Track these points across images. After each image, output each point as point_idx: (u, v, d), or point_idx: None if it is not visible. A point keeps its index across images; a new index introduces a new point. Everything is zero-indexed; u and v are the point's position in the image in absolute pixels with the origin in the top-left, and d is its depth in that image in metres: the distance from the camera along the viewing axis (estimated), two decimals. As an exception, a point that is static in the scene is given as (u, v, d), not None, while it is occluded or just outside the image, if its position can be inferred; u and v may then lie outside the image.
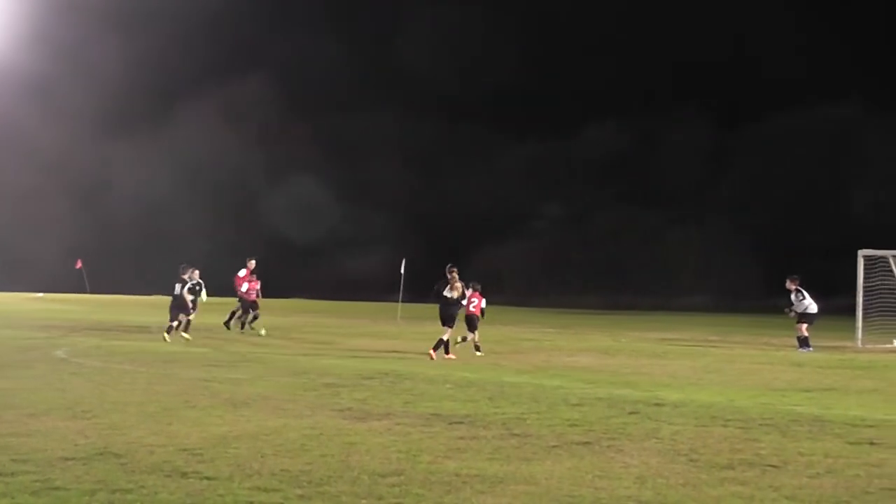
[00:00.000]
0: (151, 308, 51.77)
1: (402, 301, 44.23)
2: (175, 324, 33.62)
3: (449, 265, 29.59)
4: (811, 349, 33.33)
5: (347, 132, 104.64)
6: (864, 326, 37.14)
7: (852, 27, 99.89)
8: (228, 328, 38.39)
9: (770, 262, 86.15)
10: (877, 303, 37.50)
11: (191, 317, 34.21)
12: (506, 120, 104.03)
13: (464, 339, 30.83)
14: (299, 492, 10.63)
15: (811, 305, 34.35)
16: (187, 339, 32.52)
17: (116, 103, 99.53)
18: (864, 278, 37.71)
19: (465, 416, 16.10)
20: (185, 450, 12.75)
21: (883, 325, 37.29)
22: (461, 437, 14.08)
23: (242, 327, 38.28)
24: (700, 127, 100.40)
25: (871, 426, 15.65)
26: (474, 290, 31.36)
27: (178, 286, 33.91)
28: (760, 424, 15.67)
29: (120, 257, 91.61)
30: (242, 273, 38.81)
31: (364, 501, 10.30)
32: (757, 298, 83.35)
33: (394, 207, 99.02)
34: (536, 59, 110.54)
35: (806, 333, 33.98)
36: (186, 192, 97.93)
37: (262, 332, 36.55)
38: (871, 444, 14.01)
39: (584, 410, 17.01)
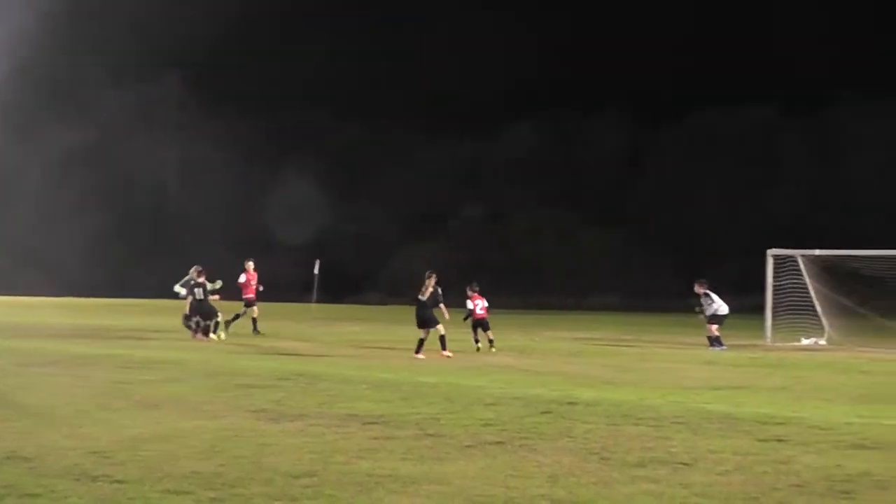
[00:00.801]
0: (68, 310, 51.27)
1: (317, 302, 44.11)
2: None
3: (428, 271, 29.95)
4: (724, 347, 33.65)
5: (268, 131, 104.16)
6: (773, 325, 37.61)
7: (768, 31, 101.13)
8: (257, 332, 38.15)
9: (684, 261, 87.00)
10: (786, 301, 37.99)
11: (218, 317, 35.23)
12: (426, 120, 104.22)
13: (488, 342, 31.57)
14: (212, 494, 10.56)
15: (721, 307, 34.64)
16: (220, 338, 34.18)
17: (28, 98, 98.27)
18: (774, 277, 38.20)
19: (379, 417, 16.09)
20: (95, 453, 12.63)
21: (792, 324, 37.78)
22: (375, 438, 14.07)
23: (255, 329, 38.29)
24: (617, 127, 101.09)
25: (780, 423, 15.83)
26: (474, 292, 31.76)
27: (197, 290, 34.53)
28: (672, 422, 15.79)
29: (26, 255, 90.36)
30: (243, 278, 38.60)
31: (277, 503, 10.27)
32: (670, 298, 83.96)
33: (309, 208, 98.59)
34: (456, 59, 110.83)
35: (717, 333, 34.29)
36: (100, 190, 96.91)
37: (222, 335, 36.07)
38: (780, 441, 14.16)
39: (499, 410, 17.05)
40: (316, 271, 38.64)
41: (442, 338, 28.88)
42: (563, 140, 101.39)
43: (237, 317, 38.16)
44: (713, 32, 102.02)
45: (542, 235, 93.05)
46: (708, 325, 34.58)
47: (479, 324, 31.67)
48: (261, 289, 38.88)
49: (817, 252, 38.31)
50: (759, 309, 38.73)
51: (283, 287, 40.28)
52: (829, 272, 38.20)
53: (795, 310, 37.80)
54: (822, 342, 37.14)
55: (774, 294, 38.12)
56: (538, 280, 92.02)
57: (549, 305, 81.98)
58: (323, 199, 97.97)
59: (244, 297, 38.81)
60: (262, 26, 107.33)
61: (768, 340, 36.90)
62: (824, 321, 37.62)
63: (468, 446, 13.44)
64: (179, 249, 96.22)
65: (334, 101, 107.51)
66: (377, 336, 37.20)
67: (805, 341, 36.99)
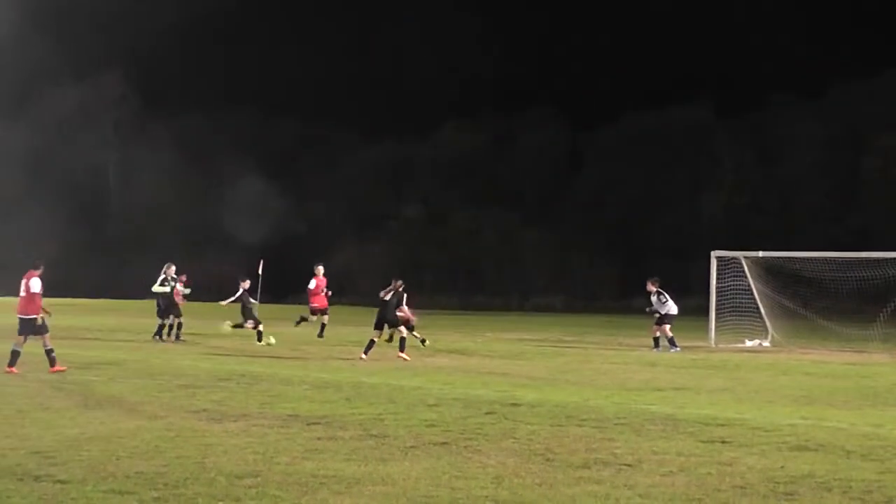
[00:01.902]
0: (5, 309, 50.72)
1: (260, 302, 43.92)
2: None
3: (395, 276, 30.18)
4: (678, 349, 33.78)
5: (203, 131, 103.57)
6: (716, 326, 37.83)
7: (703, 33, 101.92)
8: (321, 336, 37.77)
9: (624, 262, 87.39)
10: (729, 303, 38.23)
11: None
12: (362, 120, 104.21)
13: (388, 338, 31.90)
14: (154, 494, 10.55)
15: (672, 307, 34.81)
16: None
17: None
18: (717, 279, 38.45)
19: (322, 417, 16.10)
20: (37, 453, 12.58)
21: (735, 325, 38.02)
22: (318, 438, 14.09)
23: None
24: (556, 128, 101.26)
25: (722, 425, 15.96)
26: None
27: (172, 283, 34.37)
28: (615, 424, 15.89)
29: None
30: (312, 284, 38.14)
31: (220, 503, 10.26)
32: (611, 299, 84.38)
33: (250, 208, 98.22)
34: (394, 59, 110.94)
35: (670, 333, 34.42)
36: (37, 188, 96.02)
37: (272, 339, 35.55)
38: (723, 442, 14.29)
39: (442, 411, 17.10)
40: (259, 271, 38.44)
41: (402, 340, 28.87)
42: (501, 140, 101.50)
43: (303, 319, 38.12)
44: (649, 33, 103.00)
45: (481, 236, 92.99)
46: (661, 326, 34.67)
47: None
48: (329, 294, 38.50)
49: (760, 254, 38.60)
50: (703, 310, 38.98)
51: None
52: (772, 274, 38.52)
53: (739, 311, 38.06)
54: (766, 344, 37.40)
55: (718, 296, 38.36)
56: (478, 281, 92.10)
57: (490, 306, 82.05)
58: (263, 198, 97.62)
59: (311, 304, 38.19)
60: (203, 25, 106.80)
61: (712, 342, 37.12)
62: (767, 323, 37.91)
63: (411, 447, 13.49)
64: (121, 249, 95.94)
65: (274, 101, 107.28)
66: (313, 336, 37.12)
67: (748, 343, 37.24)
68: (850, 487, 11.28)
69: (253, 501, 10.36)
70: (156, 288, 35.29)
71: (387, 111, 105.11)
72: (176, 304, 35.72)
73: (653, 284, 34.98)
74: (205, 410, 16.73)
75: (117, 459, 12.23)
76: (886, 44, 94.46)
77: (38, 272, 23.64)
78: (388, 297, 29.18)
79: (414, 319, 32.12)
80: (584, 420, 16.27)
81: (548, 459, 12.73)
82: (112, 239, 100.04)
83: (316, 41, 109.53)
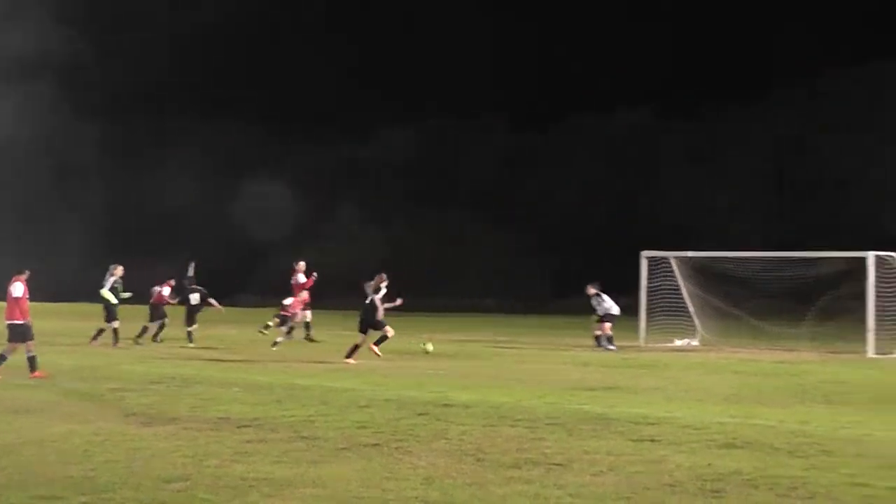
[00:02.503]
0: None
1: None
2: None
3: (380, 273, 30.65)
4: (615, 348, 33.99)
5: (141, 134, 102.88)
6: (647, 326, 38.07)
7: (643, 37, 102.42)
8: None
9: (561, 263, 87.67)
10: (660, 303, 38.48)
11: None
12: (304, 123, 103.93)
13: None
14: (83, 499, 10.47)
15: (612, 307, 35.01)
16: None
17: None
18: (648, 279, 38.69)
19: (253, 420, 16.04)
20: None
21: (665, 325, 38.27)
22: (249, 441, 14.04)
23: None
24: (496, 129, 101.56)
25: (652, 424, 16.06)
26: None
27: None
28: (547, 424, 15.94)
29: None
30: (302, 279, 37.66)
31: (149, 507, 10.23)
32: (547, 300, 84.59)
33: (186, 211, 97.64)
34: (338, 61, 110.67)
35: (610, 332, 34.64)
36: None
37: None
38: (653, 441, 14.38)
39: (373, 412, 17.08)
40: (191, 273, 38.20)
41: (384, 338, 28.92)
42: (444, 143, 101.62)
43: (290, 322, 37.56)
44: (592, 37, 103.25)
45: (422, 238, 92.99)
46: (602, 325, 34.90)
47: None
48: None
49: (690, 254, 38.88)
50: (633, 310, 39.20)
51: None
52: (702, 274, 38.79)
53: (669, 311, 38.33)
54: (695, 343, 37.68)
55: (648, 295, 38.60)
56: (417, 282, 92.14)
57: (428, 308, 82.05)
58: (199, 200, 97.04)
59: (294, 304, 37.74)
60: (116, 22, 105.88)
61: (642, 341, 37.33)
62: (697, 322, 38.20)
63: (343, 449, 13.46)
64: (53, 252, 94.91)
65: (210, 102, 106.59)
66: (251, 338, 36.97)
67: (678, 342, 37.51)
68: (777, 484, 11.38)
69: (182, 505, 10.33)
70: (104, 292, 34.69)
71: (330, 114, 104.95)
72: (162, 307, 35.48)
73: (591, 287, 35.22)
74: (135, 414, 16.62)
75: (46, 464, 12.11)
76: (820, 48, 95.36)
77: (23, 277, 23.38)
78: (374, 296, 29.15)
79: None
80: (516, 420, 16.31)
81: (479, 460, 12.75)
82: (44, 242, 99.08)
83: (254, 42, 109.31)
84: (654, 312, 38.54)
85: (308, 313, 37.46)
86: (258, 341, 35.69)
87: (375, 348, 28.52)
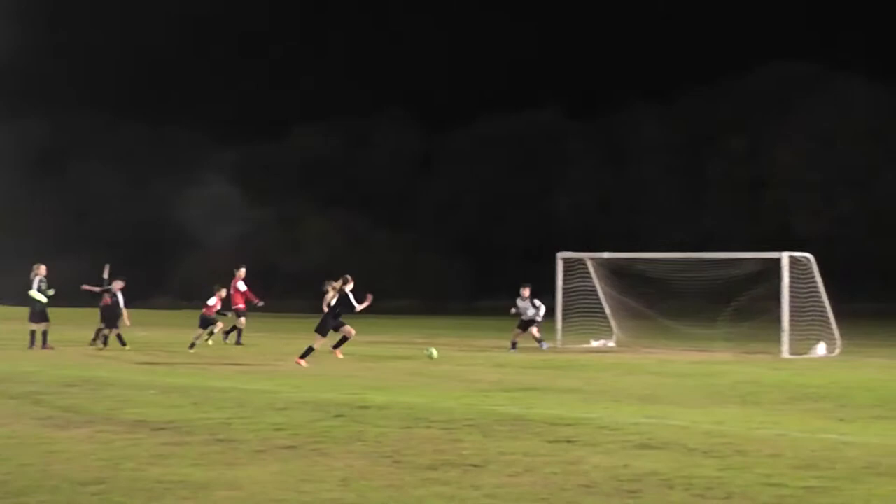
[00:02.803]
0: None
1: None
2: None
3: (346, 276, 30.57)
4: (515, 350, 34.15)
5: (51, 133, 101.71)
6: (563, 327, 38.20)
7: (554, 38, 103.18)
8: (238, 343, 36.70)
9: (476, 264, 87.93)
10: (576, 304, 38.62)
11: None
12: (213, 122, 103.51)
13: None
14: (-3, 503, 10.37)
15: (541, 308, 35.14)
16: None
17: None
18: (564, 280, 38.84)
19: (169, 423, 15.94)
20: None
21: (581, 326, 38.43)
22: (165, 444, 13.95)
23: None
24: (408, 131, 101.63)
25: (569, 425, 16.13)
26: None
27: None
28: (464, 425, 15.97)
29: None
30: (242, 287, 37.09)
31: (64, 511, 10.13)
32: (463, 300, 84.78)
33: (98, 211, 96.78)
34: (246, 62, 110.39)
35: (538, 334, 34.82)
36: None
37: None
38: (569, 441, 14.45)
39: (290, 414, 17.03)
40: (105, 276, 37.84)
41: (345, 339, 29.23)
42: (352, 144, 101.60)
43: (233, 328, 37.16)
44: (502, 37, 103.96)
45: (333, 239, 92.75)
46: (520, 329, 35.03)
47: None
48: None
49: (605, 255, 39.11)
50: (550, 311, 39.34)
51: (69, 292, 39.37)
52: (618, 275, 39.02)
53: (585, 312, 38.49)
54: (611, 344, 37.88)
55: (564, 297, 38.76)
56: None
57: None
58: (111, 201, 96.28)
59: (234, 306, 37.41)
60: (47, 25, 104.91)
61: (558, 343, 37.47)
62: (613, 323, 38.40)
63: (259, 451, 13.41)
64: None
65: (120, 102, 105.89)
66: (166, 341, 36.72)
67: (594, 343, 37.70)
68: (692, 484, 11.48)
69: (97, 508, 10.25)
70: (33, 293, 33.90)
71: (239, 114, 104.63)
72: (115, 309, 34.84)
73: (525, 290, 35.30)
74: (50, 417, 16.46)
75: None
76: (732, 49, 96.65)
77: None
78: (333, 300, 29.01)
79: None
80: (432, 422, 16.33)
81: (396, 461, 12.76)
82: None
83: (165, 43, 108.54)
84: (570, 314, 38.68)
85: (242, 320, 37.28)
86: (173, 343, 35.50)
87: (338, 352, 28.58)
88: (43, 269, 34.23)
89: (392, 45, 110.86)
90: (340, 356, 29.14)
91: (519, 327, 35.37)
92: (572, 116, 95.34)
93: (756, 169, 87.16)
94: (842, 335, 34.71)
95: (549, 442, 14.43)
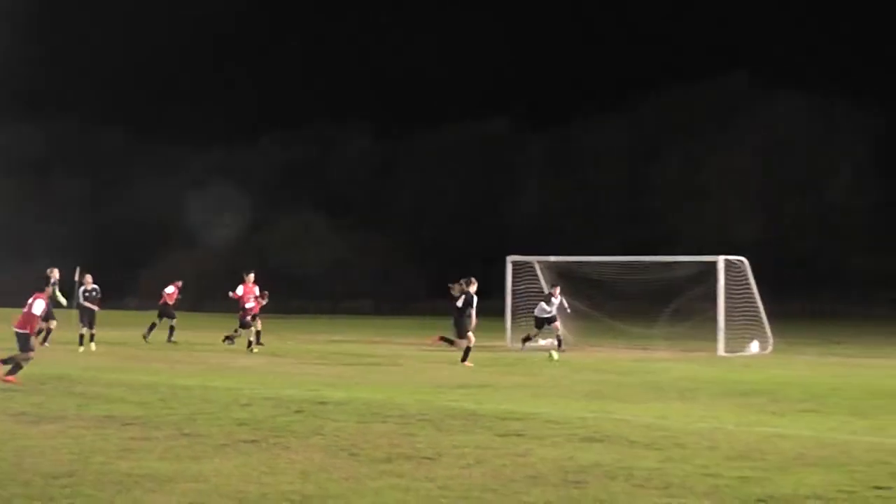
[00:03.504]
0: None
1: (77, 307, 42.91)
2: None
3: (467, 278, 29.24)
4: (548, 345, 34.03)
5: (29, 140, 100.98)
6: (512, 327, 38.20)
7: (510, 47, 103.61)
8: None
9: (433, 267, 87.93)
10: (524, 305, 38.63)
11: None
12: (189, 128, 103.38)
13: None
14: (-30, 496, 10.23)
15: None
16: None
17: None
18: (513, 282, 38.86)
19: (137, 418, 15.81)
20: None
21: (530, 326, 38.41)
22: (133, 438, 13.83)
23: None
24: (369, 139, 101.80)
25: (518, 419, 16.11)
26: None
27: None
28: (418, 420, 15.93)
29: None
30: (240, 290, 36.22)
31: (37, 503, 9.99)
32: (419, 301, 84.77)
33: (74, 215, 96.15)
34: (213, 70, 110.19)
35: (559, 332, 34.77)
36: None
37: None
38: (518, 435, 14.43)
39: (253, 410, 16.94)
40: (76, 277, 37.53)
41: (449, 341, 28.84)
42: (317, 149, 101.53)
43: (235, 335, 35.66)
44: (461, 48, 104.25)
45: (297, 242, 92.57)
46: (553, 324, 34.88)
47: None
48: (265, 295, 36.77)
49: (553, 259, 39.19)
50: (500, 312, 39.32)
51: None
52: (565, 277, 39.06)
53: (533, 313, 38.49)
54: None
55: (513, 298, 38.77)
56: (294, 285, 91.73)
57: (305, 310, 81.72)
58: (84, 205, 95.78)
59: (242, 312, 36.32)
60: (21, 29, 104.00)
61: (508, 342, 37.46)
62: (557, 322, 38.41)
63: (223, 445, 13.32)
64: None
65: (96, 108, 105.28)
66: (135, 340, 36.49)
67: (542, 342, 37.66)
68: (633, 475, 11.47)
69: (67, 500, 10.08)
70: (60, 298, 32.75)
71: (209, 120, 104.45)
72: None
73: (553, 290, 35.18)
74: (23, 413, 16.27)
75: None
76: (676, 63, 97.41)
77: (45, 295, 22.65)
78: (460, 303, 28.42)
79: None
80: (388, 416, 16.27)
81: (353, 454, 12.69)
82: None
83: (137, 49, 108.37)
84: (519, 314, 38.70)
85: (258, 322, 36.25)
86: (142, 343, 35.31)
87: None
88: (56, 273, 33.09)
89: (357, 57, 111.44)
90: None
91: (548, 325, 35.16)
92: (525, 126, 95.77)
93: (696, 177, 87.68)
94: (774, 334, 34.94)
95: (500, 435, 14.39)
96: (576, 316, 38.94)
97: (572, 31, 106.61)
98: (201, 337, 37.39)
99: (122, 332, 39.83)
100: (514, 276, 38.97)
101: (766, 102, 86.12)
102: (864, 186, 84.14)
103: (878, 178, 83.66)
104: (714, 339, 34.21)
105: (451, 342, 29.12)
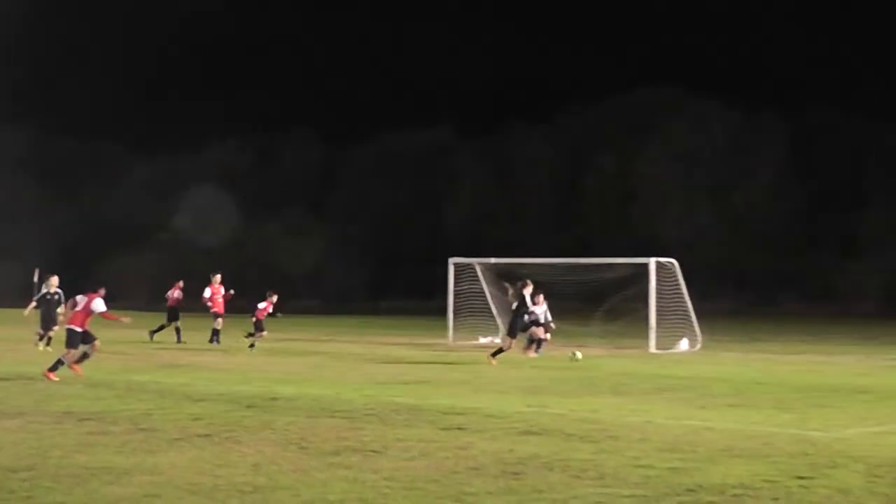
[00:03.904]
0: None
1: (36, 308, 42.47)
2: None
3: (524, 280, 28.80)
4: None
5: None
6: (454, 325, 38.28)
7: (446, 60, 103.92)
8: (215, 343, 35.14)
9: (376, 268, 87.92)
10: (466, 304, 38.73)
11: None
12: (135, 137, 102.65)
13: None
14: (-69, 490, 10.15)
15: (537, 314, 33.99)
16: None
17: None
18: (455, 283, 38.93)
19: (94, 413, 15.72)
20: None
21: (471, 325, 38.52)
22: (90, 433, 13.75)
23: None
24: (313, 146, 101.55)
25: (459, 413, 16.17)
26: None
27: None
28: (364, 414, 15.94)
29: None
30: (207, 293, 35.85)
31: (-4, 496, 9.95)
32: (364, 301, 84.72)
33: (28, 220, 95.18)
34: (165, 79, 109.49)
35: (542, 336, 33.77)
36: None
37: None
38: (460, 429, 14.47)
39: (206, 405, 16.90)
40: (35, 279, 37.27)
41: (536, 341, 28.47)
42: (263, 156, 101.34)
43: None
44: (398, 61, 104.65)
45: (245, 245, 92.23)
46: (536, 328, 33.69)
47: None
48: (231, 294, 36.37)
49: (492, 260, 39.31)
50: (443, 311, 39.38)
51: (4, 295, 38.65)
52: (504, 278, 39.15)
53: (474, 312, 38.59)
54: (498, 341, 37.90)
55: (455, 298, 38.84)
56: (241, 286, 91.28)
57: (253, 310, 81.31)
58: (41, 210, 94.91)
59: (212, 310, 35.94)
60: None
61: (450, 339, 37.52)
62: (499, 321, 38.48)
63: (178, 439, 13.28)
64: None
65: (48, 116, 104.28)
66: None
67: (482, 340, 37.73)
68: (569, 466, 11.55)
69: (27, 493, 10.01)
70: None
71: (157, 128, 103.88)
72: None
73: (537, 296, 34.14)
74: (-18, 410, 16.17)
75: None
76: (606, 76, 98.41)
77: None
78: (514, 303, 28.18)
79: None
80: (336, 412, 16.28)
81: (302, 448, 12.69)
82: None
83: (88, 58, 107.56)
84: (460, 313, 38.78)
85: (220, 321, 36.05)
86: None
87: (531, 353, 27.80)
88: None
89: (301, 68, 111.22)
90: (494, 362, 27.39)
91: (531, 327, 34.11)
92: (463, 135, 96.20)
93: (626, 183, 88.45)
94: (702, 332, 35.17)
95: (442, 429, 14.44)
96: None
97: (508, 44, 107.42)
98: (155, 336, 37.05)
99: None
100: (455, 277, 39.04)
101: (688, 112, 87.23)
102: (779, 191, 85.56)
103: (794, 183, 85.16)
104: (646, 337, 34.44)
105: (500, 351, 28.31)
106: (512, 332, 28.68)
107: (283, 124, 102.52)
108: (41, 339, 31.58)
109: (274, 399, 17.99)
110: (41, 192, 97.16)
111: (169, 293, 37.38)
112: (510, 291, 32.55)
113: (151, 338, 35.83)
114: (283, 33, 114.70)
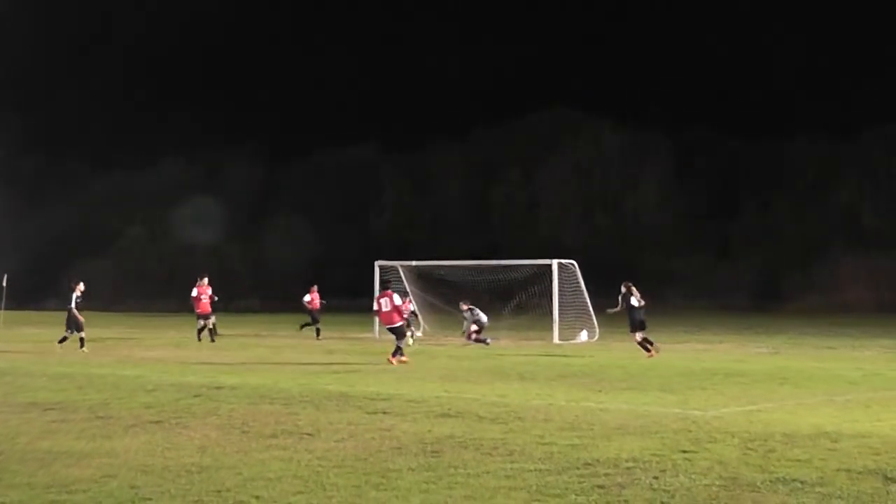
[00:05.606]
0: None
1: (5, 309, 41.93)
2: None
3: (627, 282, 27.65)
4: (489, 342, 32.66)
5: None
6: (379, 322, 38.17)
7: (371, 86, 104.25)
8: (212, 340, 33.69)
9: (313, 269, 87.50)
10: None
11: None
12: (95, 152, 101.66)
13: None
14: None
15: (482, 316, 33.24)
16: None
17: None
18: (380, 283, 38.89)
19: (57, 403, 15.51)
20: None
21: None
22: (53, 421, 13.57)
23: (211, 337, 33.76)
24: (256, 161, 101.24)
25: (384, 399, 16.16)
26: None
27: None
28: (300, 401, 15.88)
29: None
30: (195, 292, 34.64)
31: (-36, 480, 9.77)
32: (299, 300, 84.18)
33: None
34: (119, 97, 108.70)
35: (482, 336, 32.75)
36: None
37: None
38: (384, 413, 14.46)
39: (158, 395, 16.73)
40: (3, 284, 36.65)
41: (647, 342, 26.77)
42: (210, 170, 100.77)
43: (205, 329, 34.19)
44: (327, 83, 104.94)
45: (194, 251, 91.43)
46: (478, 332, 32.89)
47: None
48: (214, 299, 34.82)
49: (414, 263, 39.31)
50: (369, 309, 39.29)
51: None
52: (424, 278, 39.28)
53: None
54: (419, 334, 37.90)
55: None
56: (192, 288, 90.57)
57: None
58: (9, 219, 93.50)
59: (196, 310, 34.57)
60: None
61: (376, 334, 37.44)
62: (420, 317, 38.50)
63: (132, 425, 13.15)
64: None
65: (17, 133, 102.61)
66: (56, 337, 35.64)
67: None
68: (482, 445, 11.59)
69: (-6, 477, 9.91)
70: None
71: (112, 145, 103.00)
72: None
73: (464, 304, 33.60)
74: (-48, 401, 15.88)
75: None
76: (513, 98, 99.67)
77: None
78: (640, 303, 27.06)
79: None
80: (274, 398, 16.20)
81: (244, 432, 12.62)
82: None
83: (51, 73, 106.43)
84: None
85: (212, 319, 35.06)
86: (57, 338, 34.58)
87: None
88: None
89: (244, 89, 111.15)
90: (656, 354, 26.48)
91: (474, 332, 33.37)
92: (387, 150, 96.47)
93: (531, 193, 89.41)
94: (599, 325, 35.43)
95: (368, 413, 14.42)
96: (433, 311, 39.17)
97: (426, 71, 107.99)
98: (109, 333, 36.67)
99: (44, 329, 38.85)
100: (381, 278, 38.95)
101: (584, 131, 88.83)
102: (664, 199, 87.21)
103: (677, 193, 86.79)
104: (549, 329, 34.64)
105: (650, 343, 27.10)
106: (640, 327, 27.11)
107: (230, 139, 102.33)
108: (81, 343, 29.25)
109: (219, 388, 17.86)
110: (9, 204, 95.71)
111: (193, 294, 35.09)
112: (464, 307, 32.56)
113: (212, 339, 33.85)
114: (232, 55, 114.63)
